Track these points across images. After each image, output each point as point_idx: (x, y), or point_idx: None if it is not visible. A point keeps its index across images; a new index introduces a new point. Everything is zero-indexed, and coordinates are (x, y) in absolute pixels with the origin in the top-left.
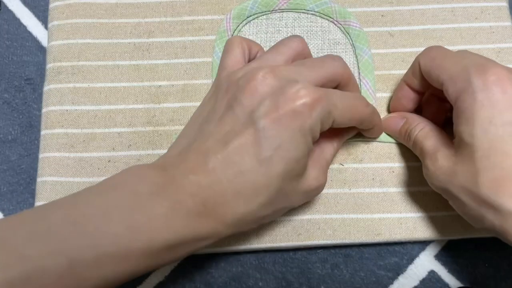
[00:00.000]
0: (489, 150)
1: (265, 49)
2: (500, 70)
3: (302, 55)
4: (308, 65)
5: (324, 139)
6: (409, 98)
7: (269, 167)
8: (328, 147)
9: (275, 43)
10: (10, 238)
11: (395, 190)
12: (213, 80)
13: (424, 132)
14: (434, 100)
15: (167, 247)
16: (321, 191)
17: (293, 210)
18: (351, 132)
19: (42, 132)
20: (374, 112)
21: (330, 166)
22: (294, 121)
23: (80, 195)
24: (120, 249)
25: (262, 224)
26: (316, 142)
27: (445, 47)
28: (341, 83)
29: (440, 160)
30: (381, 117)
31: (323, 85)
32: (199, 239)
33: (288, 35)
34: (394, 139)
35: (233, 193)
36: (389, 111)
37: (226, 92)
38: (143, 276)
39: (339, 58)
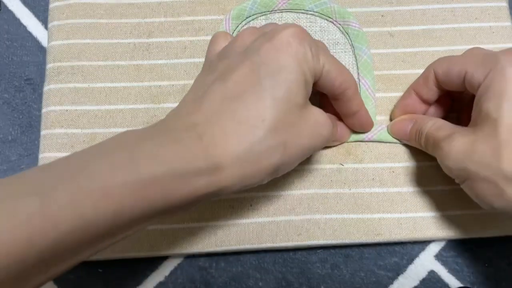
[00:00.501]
0: None
1: None
2: None
3: None
4: None
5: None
6: (416, 106)
7: (271, 91)
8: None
9: None
10: None
11: (395, 190)
12: None
13: (436, 125)
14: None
15: (152, 180)
16: (328, 133)
17: (292, 210)
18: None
19: (42, 132)
20: (357, 89)
21: (330, 166)
22: (287, 49)
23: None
24: (99, 183)
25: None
26: None
27: (445, 47)
28: None
29: (456, 140)
30: (382, 118)
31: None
32: (195, 173)
33: None
34: (395, 139)
35: (235, 123)
36: (389, 112)
37: (218, 56)
38: (143, 276)
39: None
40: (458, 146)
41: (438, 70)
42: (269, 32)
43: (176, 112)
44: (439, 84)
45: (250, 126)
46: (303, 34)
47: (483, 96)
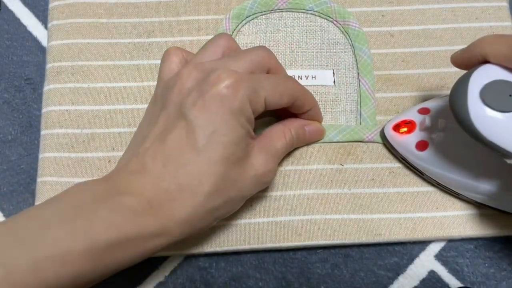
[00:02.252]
0: None
1: None
2: None
3: (231, 50)
4: (233, 56)
5: (275, 131)
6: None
7: (208, 154)
8: (279, 138)
9: (274, 42)
10: None
11: (395, 190)
12: None
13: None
14: None
15: (109, 246)
16: (272, 178)
17: (292, 210)
18: (303, 129)
19: (42, 132)
20: (306, 90)
21: (330, 166)
22: (221, 104)
23: (23, 211)
24: (59, 251)
25: (215, 226)
26: (266, 133)
27: (445, 47)
28: (270, 69)
29: None
30: (381, 118)
31: (251, 72)
32: (146, 237)
33: (288, 34)
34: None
35: (178, 188)
36: (389, 112)
37: (161, 95)
38: (143, 276)
39: (263, 47)
40: None
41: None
42: (206, 81)
43: (124, 167)
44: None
45: (191, 192)
46: (238, 82)
47: None
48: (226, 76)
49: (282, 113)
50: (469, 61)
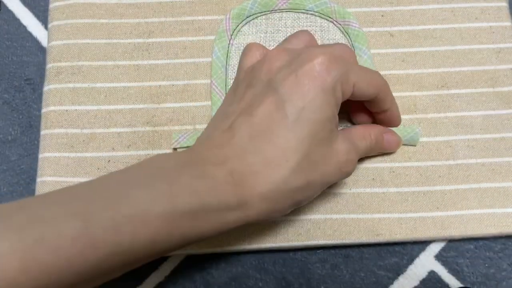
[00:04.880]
0: None
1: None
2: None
3: (311, 45)
4: (317, 46)
5: (356, 131)
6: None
7: (296, 130)
8: (360, 139)
9: (274, 43)
10: (28, 202)
11: (395, 190)
12: (212, 80)
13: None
14: None
15: (189, 213)
16: (353, 170)
17: (293, 210)
18: (380, 133)
19: (42, 132)
20: (388, 86)
21: None
22: (313, 81)
23: (107, 174)
24: (139, 211)
25: (297, 209)
26: (347, 130)
27: (445, 47)
28: None
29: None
30: None
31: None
32: (226, 209)
33: (288, 35)
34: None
35: (262, 162)
36: None
37: (244, 78)
38: (142, 276)
39: (344, 44)
40: None
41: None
42: (297, 59)
43: (207, 141)
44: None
45: (276, 166)
46: (331, 62)
47: None
48: (320, 53)
49: (357, 113)
50: None
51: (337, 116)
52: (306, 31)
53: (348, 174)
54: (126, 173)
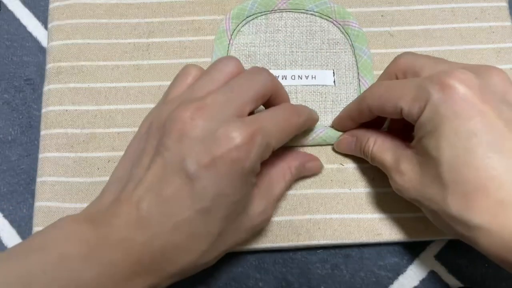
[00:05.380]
0: (456, 163)
1: (265, 48)
2: (456, 74)
3: (235, 76)
4: (237, 89)
5: (276, 171)
6: (352, 127)
7: (208, 215)
8: (278, 181)
9: (274, 42)
10: None
11: None
12: None
13: (378, 146)
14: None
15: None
16: (268, 223)
17: (292, 210)
18: (303, 167)
19: (42, 132)
20: (308, 116)
21: (330, 166)
22: (231, 166)
23: (3, 258)
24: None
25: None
26: (266, 173)
27: (445, 47)
28: (272, 95)
29: (405, 173)
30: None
31: (256, 102)
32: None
33: (288, 35)
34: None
35: (172, 247)
36: None
37: (156, 131)
38: None
39: (266, 72)
40: (409, 181)
41: (372, 105)
42: (213, 139)
43: (112, 213)
44: (374, 113)
45: (186, 251)
46: (250, 142)
47: (420, 132)
48: (238, 134)
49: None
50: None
51: (255, 181)
52: (232, 59)
53: (261, 229)
54: (28, 261)
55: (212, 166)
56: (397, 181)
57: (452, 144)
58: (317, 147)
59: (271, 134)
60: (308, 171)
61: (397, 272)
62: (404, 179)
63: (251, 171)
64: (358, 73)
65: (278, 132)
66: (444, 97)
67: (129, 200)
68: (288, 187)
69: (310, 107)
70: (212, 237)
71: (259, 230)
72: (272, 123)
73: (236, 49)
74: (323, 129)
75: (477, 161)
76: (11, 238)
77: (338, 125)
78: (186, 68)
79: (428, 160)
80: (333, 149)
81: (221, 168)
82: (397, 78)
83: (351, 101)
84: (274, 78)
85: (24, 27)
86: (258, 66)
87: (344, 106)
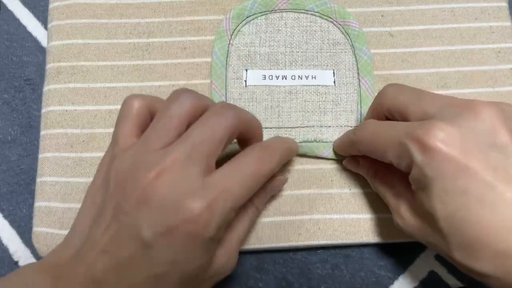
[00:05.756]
0: (452, 220)
1: (265, 48)
2: (435, 133)
3: (198, 113)
4: (198, 141)
5: (239, 214)
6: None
7: (163, 280)
8: (242, 221)
9: (274, 43)
10: None
11: None
12: (212, 80)
13: (379, 182)
14: None
15: None
16: (233, 269)
17: (292, 210)
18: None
19: (42, 132)
20: (282, 154)
21: (331, 166)
22: (187, 237)
23: None
24: None
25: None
26: (227, 236)
27: (445, 47)
28: (242, 131)
29: (406, 218)
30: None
31: (222, 147)
32: None
33: (288, 34)
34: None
35: None
36: None
37: (114, 190)
38: None
39: (227, 109)
40: (410, 226)
41: (363, 151)
42: (178, 204)
43: (73, 268)
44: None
45: None
46: (211, 212)
47: (413, 184)
48: (196, 206)
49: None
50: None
51: (217, 247)
52: (187, 94)
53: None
54: None
55: (168, 236)
56: (398, 223)
57: (445, 202)
58: None
59: (235, 195)
60: (273, 192)
61: (397, 272)
62: (405, 223)
63: (212, 239)
64: (358, 73)
65: (244, 190)
66: (427, 160)
67: (86, 261)
68: (255, 221)
69: (310, 107)
70: None
71: (223, 277)
72: (238, 180)
73: (236, 49)
74: (327, 151)
75: (472, 216)
76: (11, 238)
77: (339, 151)
78: (127, 102)
79: (426, 213)
80: (333, 150)
81: (177, 238)
82: (386, 117)
83: (349, 104)
84: (241, 115)
85: (24, 27)
86: (223, 101)
87: (345, 106)
